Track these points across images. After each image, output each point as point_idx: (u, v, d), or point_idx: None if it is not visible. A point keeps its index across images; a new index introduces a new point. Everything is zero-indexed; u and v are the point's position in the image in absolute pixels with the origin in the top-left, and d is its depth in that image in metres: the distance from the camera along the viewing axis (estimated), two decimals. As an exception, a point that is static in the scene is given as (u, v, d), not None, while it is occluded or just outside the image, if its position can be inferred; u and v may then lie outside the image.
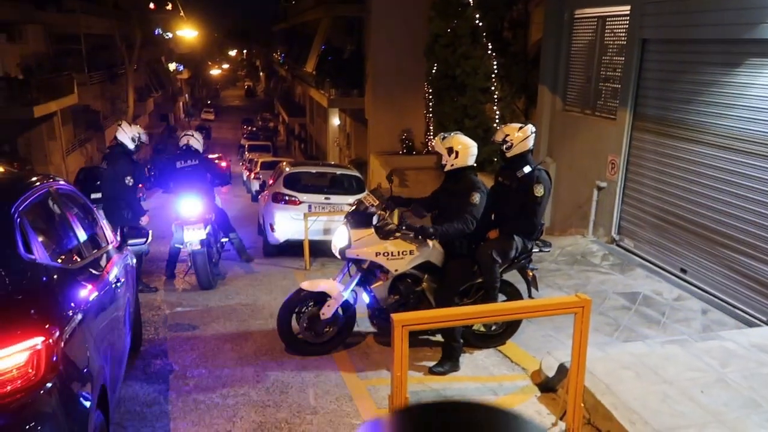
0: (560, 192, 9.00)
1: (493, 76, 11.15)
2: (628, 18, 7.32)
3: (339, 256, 4.99)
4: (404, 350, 3.37)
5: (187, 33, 43.95)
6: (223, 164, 33.46)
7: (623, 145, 7.47)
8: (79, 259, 3.28)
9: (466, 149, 4.77)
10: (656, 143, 6.99)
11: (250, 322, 5.91)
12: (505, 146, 4.84)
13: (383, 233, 4.77)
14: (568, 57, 8.87)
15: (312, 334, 4.95)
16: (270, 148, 34.38)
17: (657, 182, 6.98)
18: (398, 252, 4.78)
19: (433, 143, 5.00)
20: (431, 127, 14.60)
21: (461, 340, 4.73)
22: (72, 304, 2.75)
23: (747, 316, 5.57)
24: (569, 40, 8.78)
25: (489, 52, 11.21)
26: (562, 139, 8.99)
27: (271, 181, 10.74)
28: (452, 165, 4.78)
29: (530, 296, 5.01)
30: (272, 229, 9.08)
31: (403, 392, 3.46)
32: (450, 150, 4.75)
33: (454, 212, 4.70)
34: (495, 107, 11.18)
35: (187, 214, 6.92)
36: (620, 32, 7.62)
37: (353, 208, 5.10)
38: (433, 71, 13.19)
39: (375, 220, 4.89)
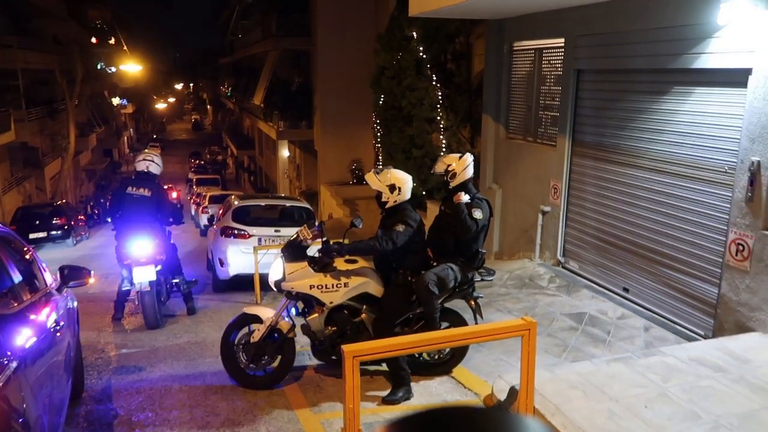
0: (507, 217, 9.22)
1: (439, 106, 11.42)
2: (562, 50, 7.67)
3: (275, 289, 5.00)
4: (356, 381, 3.37)
5: (131, 67, 43.25)
6: (174, 195, 32.88)
7: (564, 170, 7.74)
8: (15, 303, 3.15)
9: (406, 184, 4.87)
10: (595, 168, 7.28)
11: (199, 360, 5.76)
12: (448, 176, 4.91)
13: (318, 266, 4.80)
14: (509, 87, 9.18)
15: (248, 361, 4.93)
16: (219, 182, 33.96)
17: (597, 205, 7.26)
18: (332, 284, 4.81)
19: (367, 181, 5.03)
20: (380, 157, 14.77)
21: (407, 368, 4.74)
22: (7, 351, 2.64)
23: (686, 331, 5.80)
24: (509, 71, 9.11)
25: (434, 83, 11.49)
26: (506, 166, 9.25)
27: (220, 215, 10.61)
28: (395, 201, 4.86)
29: (476, 324, 5.05)
30: (222, 264, 8.94)
31: (357, 424, 3.44)
32: (392, 187, 4.82)
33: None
34: (441, 137, 11.42)
35: (137, 254, 6.65)
36: (556, 63, 7.96)
37: (290, 240, 5.14)
38: (380, 102, 13.40)
39: (312, 252, 4.91)
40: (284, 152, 28.86)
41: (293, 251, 4.93)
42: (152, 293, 6.73)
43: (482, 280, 5.14)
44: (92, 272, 4.53)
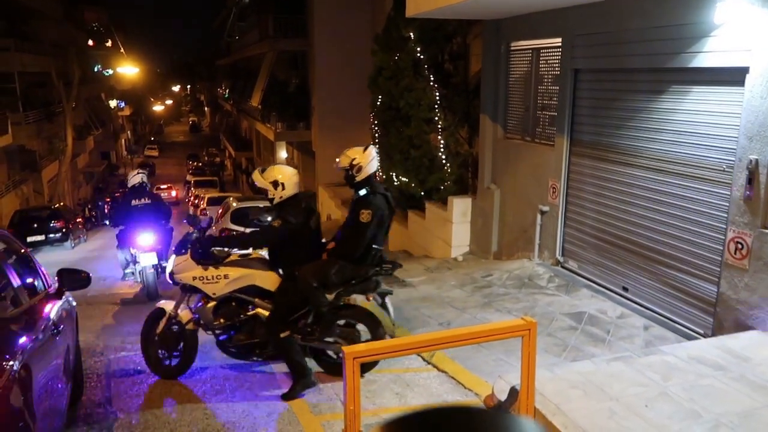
0: (506, 217, 9.22)
1: (437, 106, 11.40)
2: (560, 49, 7.67)
3: (169, 281, 5.24)
4: (356, 383, 3.36)
5: (128, 69, 43.18)
6: (174, 193, 33.21)
7: (562, 170, 7.74)
8: (13, 307, 3.14)
9: (289, 179, 4.89)
10: (593, 167, 7.28)
11: (197, 362, 5.73)
12: (354, 170, 4.86)
13: (213, 259, 4.90)
14: (506, 87, 9.19)
15: (161, 350, 5.19)
16: (217, 184, 33.99)
17: (596, 204, 7.26)
18: (213, 276, 4.90)
19: (253, 179, 5.15)
20: (379, 158, 14.77)
21: (303, 361, 4.78)
22: (6, 355, 2.63)
23: (686, 330, 5.80)
24: (507, 71, 9.11)
25: (431, 83, 11.47)
26: (505, 166, 9.25)
27: (218, 217, 10.60)
28: (281, 197, 4.88)
29: (391, 320, 4.96)
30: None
31: (357, 425, 3.43)
32: (276, 183, 4.85)
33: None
34: (439, 137, 11.41)
35: (142, 244, 8.59)
36: (554, 63, 7.96)
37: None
38: (378, 103, 13.39)
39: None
40: (282, 153, 28.87)
41: (182, 244, 5.11)
42: (154, 273, 8.70)
43: (384, 274, 4.99)
44: (91, 275, 4.52)
